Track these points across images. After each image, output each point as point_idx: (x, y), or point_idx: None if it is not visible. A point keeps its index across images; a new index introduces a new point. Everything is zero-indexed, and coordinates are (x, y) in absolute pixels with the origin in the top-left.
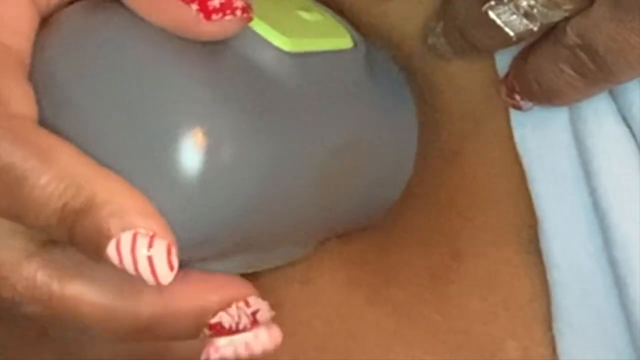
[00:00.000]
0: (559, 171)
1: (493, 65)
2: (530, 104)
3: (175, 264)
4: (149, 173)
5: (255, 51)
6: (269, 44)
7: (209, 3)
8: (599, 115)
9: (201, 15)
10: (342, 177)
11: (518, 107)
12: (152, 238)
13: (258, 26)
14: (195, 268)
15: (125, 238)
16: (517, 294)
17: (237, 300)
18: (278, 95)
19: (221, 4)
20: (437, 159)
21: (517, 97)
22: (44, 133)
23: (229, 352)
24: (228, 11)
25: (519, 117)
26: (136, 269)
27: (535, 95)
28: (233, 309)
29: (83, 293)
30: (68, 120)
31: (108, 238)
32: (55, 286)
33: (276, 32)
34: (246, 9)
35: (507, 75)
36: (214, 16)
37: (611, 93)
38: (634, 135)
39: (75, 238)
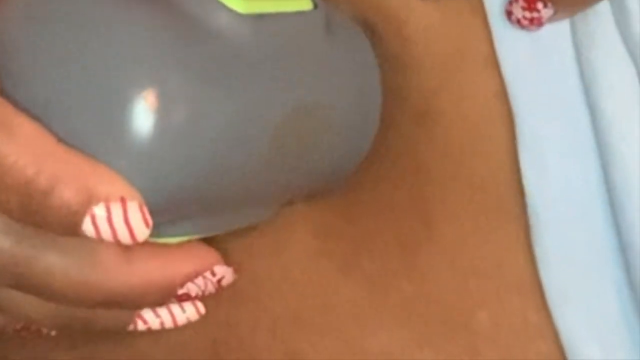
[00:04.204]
0: (557, 95)
1: (469, 8)
2: (550, 12)
3: (149, 219)
4: (104, 137)
5: (209, 13)
6: (223, 6)
7: None
8: (606, 37)
9: None
10: (300, 139)
11: (537, 21)
12: (123, 203)
13: None
14: (156, 233)
15: (99, 211)
16: (487, 261)
17: (203, 270)
18: (232, 57)
19: None
20: (405, 120)
21: (540, 6)
22: (6, 106)
23: (155, 324)
24: None
25: (512, 43)
26: (115, 236)
27: None
28: (200, 279)
29: (55, 265)
30: (24, 88)
31: (82, 214)
32: (31, 259)
33: None
34: None
35: None
36: None
37: (615, 15)
38: (632, 57)
39: (43, 219)
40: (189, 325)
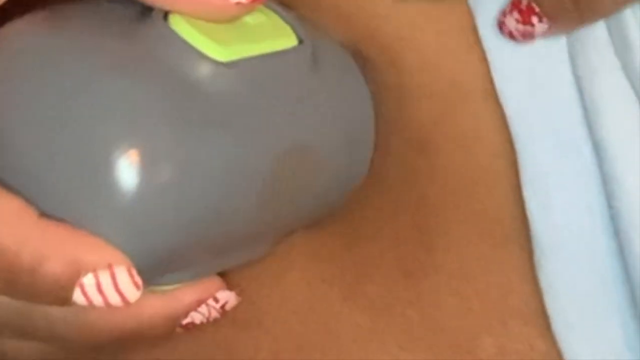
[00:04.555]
0: (558, 126)
1: (465, 43)
2: (545, 27)
3: (140, 282)
4: (89, 199)
5: (190, 64)
6: (204, 56)
7: None
8: (608, 69)
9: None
10: (293, 180)
11: (530, 35)
12: (111, 269)
13: (192, 37)
14: (152, 284)
15: (88, 281)
16: (491, 288)
17: (206, 298)
18: (216, 108)
19: None
20: (404, 149)
21: (535, 20)
22: None
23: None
24: None
25: (510, 81)
26: (106, 302)
27: (565, 11)
28: (203, 307)
29: (54, 312)
30: (4, 153)
31: (71, 287)
32: (31, 309)
33: (211, 42)
34: None
35: (517, 2)
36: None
37: (615, 48)
38: (634, 89)
39: (32, 294)
40: (190, 348)
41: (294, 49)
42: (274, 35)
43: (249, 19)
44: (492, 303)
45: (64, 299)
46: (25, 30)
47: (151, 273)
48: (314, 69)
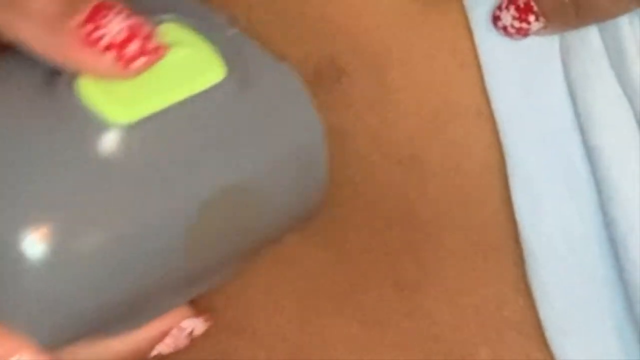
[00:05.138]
0: (550, 134)
1: (457, 62)
2: (540, 25)
3: None
4: None
5: (90, 132)
6: (106, 123)
7: (126, 51)
8: (602, 76)
9: (119, 64)
10: (231, 218)
11: (524, 32)
12: (20, 356)
13: (95, 99)
14: (103, 335)
15: None
16: (487, 300)
17: (170, 329)
18: (124, 172)
19: (139, 48)
20: (390, 163)
21: (531, 18)
22: None
23: None
24: (146, 55)
25: (501, 87)
26: None
27: (563, 11)
28: (169, 339)
29: None
30: None
31: None
32: None
33: (113, 104)
34: (159, 48)
35: None
36: (133, 64)
37: (609, 56)
38: (628, 98)
39: None
40: (185, 356)
41: (218, 84)
42: (195, 73)
43: (170, 56)
44: (488, 314)
45: None
46: None
47: (84, 333)
48: (244, 97)
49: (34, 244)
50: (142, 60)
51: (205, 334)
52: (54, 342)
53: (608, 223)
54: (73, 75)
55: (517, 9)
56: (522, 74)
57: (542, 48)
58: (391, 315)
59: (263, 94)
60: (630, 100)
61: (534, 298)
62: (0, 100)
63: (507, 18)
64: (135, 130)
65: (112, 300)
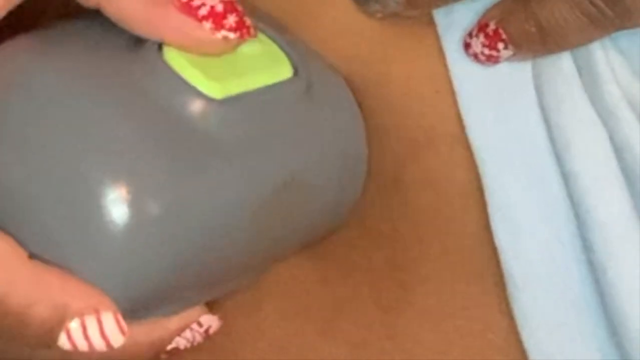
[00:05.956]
0: (526, 159)
1: (434, 88)
2: (510, 53)
3: (125, 327)
4: (78, 238)
5: (183, 101)
6: (198, 93)
7: (225, 22)
8: (575, 100)
9: (217, 33)
10: (284, 212)
11: (495, 59)
12: (97, 315)
13: (186, 71)
14: (141, 316)
15: (74, 327)
16: (471, 322)
17: (190, 323)
18: (207, 144)
19: (236, 22)
20: (376, 185)
21: (500, 46)
22: None
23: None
24: (242, 30)
25: (476, 113)
26: (91, 347)
27: (530, 40)
28: (187, 332)
29: None
30: None
31: (57, 331)
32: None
33: (204, 77)
34: (252, 27)
35: (483, 26)
36: (230, 36)
37: (582, 79)
38: (602, 120)
39: (19, 336)
40: None
41: (289, 80)
42: (269, 67)
43: (245, 48)
44: (472, 337)
45: (49, 343)
46: (13, 57)
47: (139, 310)
48: (308, 98)
49: (115, 205)
50: (237, 34)
51: (189, 357)
52: (125, 308)
53: (587, 247)
54: (159, 45)
55: (486, 36)
56: (496, 100)
57: (515, 73)
58: (375, 336)
59: (321, 95)
60: (605, 123)
61: (516, 323)
62: (90, 61)
63: (477, 45)
64: (223, 105)
65: (177, 272)
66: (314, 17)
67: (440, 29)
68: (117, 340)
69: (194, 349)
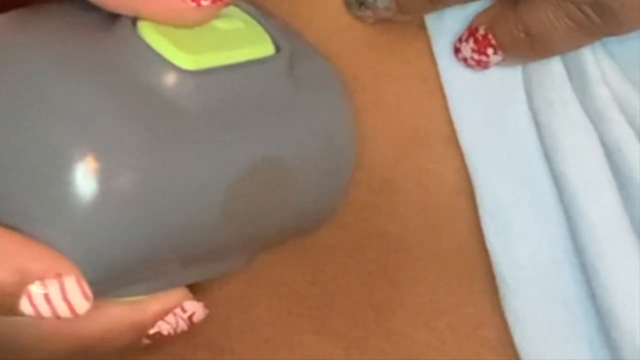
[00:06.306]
0: (516, 161)
1: (425, 89)
2: (499, 58)
3: (90, 293)
4: (44, 205)
5: (155, 72)
6: (169, 64)
7: None
8: (565, 103)
9: (192, 4)
10: (264, 192)
11: (484, 64)
12: (60, 279)
13: (159, 44)
14: (114, 294)
15: (36, 290)
16: (463, 320)
17: (173, 306)
18: (179, 117)
19: None
20: (363, 186)
21: (490, 52)
22: None
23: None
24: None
25: (466, 116)
26: (54, 313)
27: (519, 45)
28: (170, 317)
29: (24, 319)
30: None
31: (18, 295)
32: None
33: (178, 50)
34: None
35: (473, 31)
36: (203, 2)
37: (572, 81)
38: (592, 122)
39: None
40: None
41: (269, 57)
42: (249, 43)
43: (224, 25)
44: (465, 335)
45: (11, 308)
46: None
47: (108, 284)
48: (290, 78)
49: (83, 174)
50: (210, 1)
51: (183, 354)
52: (92, 282)
53: (577, 248)
54: (133, 20)
55: (476, 41)
56: (486, 103)
57: (505, 76)
58: (368, 335)
59: (305, 77)
60: (595, 125)
61: (508, 323)
62: (64, 37)
63: (467, 50)
64: (197, 77)
65: (146, 247)
66: (306, 20)
67: (431, 33)
68: (81, 306)
69: (190, 345)
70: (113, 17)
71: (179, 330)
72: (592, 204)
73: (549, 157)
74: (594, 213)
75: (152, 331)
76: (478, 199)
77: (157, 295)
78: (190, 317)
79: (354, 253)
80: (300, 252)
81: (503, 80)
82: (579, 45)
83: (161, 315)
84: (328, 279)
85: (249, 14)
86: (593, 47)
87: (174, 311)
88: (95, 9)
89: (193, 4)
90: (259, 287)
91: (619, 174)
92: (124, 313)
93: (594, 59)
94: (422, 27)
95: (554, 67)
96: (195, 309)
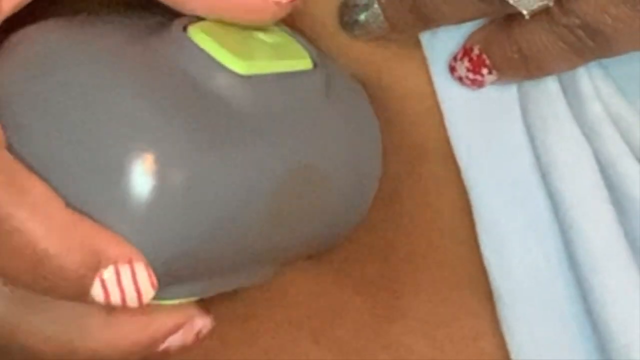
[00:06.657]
0: (511, 178)
1: (423, 107)
2: (494, 77)
3: (155, 280)
4: (105, 200)
5: (209, 74)
6: (223, 67)
7: None
8: (560, 119)
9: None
10: (299, 200)
11: (479, 83)
12: (131, 265)
13: (212, 49)
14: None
15: (109, 274)
16: (463, 331)
17: (184, 323)
18: (232, 120)
19: None
20: (376, 199)
21: (484, 71)
22: (18, 167)
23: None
24: None
25: (462, 133)
26: (123, 298)
27: (513, 66)
28: (180, 332)
29: (41, 328)
30: (29, 147)
31: (91, 278)
32: (17, 323)
33: (231, 54)
34: None
35: (468, 50)
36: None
37: (566, 97)
38: (587, 138)
39: (52, 284)
40: None
41: (309, 71)
42: (291, 56)
43: (266, 37)
44: (464, 345)
45: (83, 291)
46: (43, 36)
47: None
48: (326, 93)
49: (140, 171)
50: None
51: None
52: None
53: (573, 263)
54: (184, 24)
55: (471, 60)
56: (482, 119)
57: (500, 94)
58: (368, 346)
59: (338, 94)
60: (589, 140)
61: (505, 338)
62: (116, 42)
63: (462, 69)
64: (249, 81)
65: (199, 246)
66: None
67: (427, 51)
68: (148, 292)
69: (188, 356)
70: (162, 23)
71: (187, 345)
72: (587, 219)
73: (544, 173)
74: (589, 228)
75: (162, 347)
76: (475, 214)
77: (169, 311)
78: (197, 333)
79: (358, 264)
80: (305, 263)
81: (499, 97)
82: (572, 67)
83: (173, 332)
84: (331, 290)
85: (286, 31)
86: (587, 65)
87: (185, 327)
88: (143, 17)
89: (272, 1)
90: (262, 296)
91: (613, 189)
92: (136, 331)
93: (588, 74)
94: (419, 43)
95: (550, 84)
96: (204, 324)
